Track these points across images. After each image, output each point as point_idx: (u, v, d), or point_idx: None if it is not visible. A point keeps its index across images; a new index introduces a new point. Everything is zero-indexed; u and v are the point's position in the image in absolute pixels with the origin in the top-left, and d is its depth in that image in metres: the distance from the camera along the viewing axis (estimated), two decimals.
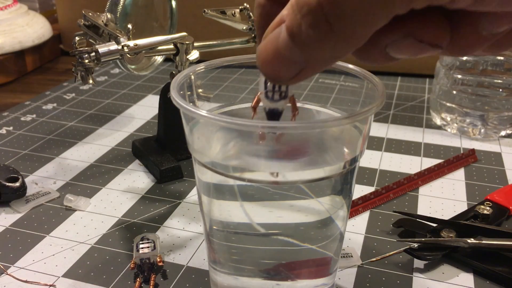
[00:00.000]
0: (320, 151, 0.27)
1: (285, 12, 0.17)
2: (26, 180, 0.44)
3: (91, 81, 0.38)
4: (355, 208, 0.39)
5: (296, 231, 0.27)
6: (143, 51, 0.40)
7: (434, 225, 0.36)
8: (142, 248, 0.33)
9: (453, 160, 0.46)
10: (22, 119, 0.57)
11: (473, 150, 0.48)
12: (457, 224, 0.36)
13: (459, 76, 0.51)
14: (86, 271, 0.33)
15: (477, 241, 0.33)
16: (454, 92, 0.52)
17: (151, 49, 0.41)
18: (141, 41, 0.40)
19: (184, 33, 0.43)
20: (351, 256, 0.34)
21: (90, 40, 0.41)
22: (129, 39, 0.39)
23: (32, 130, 0.54)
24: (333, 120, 0.22)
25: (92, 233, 0.37)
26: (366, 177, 0.45)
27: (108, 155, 0.49)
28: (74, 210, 0.40)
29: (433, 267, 0.34)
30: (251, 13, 0.47)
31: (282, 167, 0.28)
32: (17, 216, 0.39)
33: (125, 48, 0.38)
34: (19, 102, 0.61)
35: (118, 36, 0.39)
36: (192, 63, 0.43)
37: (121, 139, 0.52)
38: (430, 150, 0.50)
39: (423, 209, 0.40)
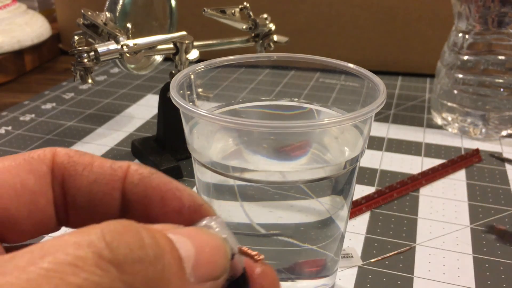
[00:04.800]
0: (320, 151, 0.27)
1: None
2: None
3: (90, 81, 0.38)
4: (359, 207, 0.39)
5: (296, 232, 0.26)
6: (143, 51, 0.40)
7: None
8: None
9: (457, 160, 0.46)
10: (21, 118, 0.56)
11: (477, 150, 0.48)
12: None
13: (460, 76, 0.51)
14: None
15: None
16: (455, 91, 0.52)
17: (151, 48, 0.41)
18: (141, 41, 0.40)
19: (184, 32, 0.42)
20: (352, 257, 0.34)
21: (90, 40, 0.41)
22: (128, 38, 0.39)
23: (31, 129, 0.54)
24: (334, 120, 0.22)
25: None
26: (367, 177, 0.45)
27: (107, 155, 0.48)
28: None
29: (434, 268, 0.34)
30: (251, 12, 0.47)
31: (283, 166, 0.27)
32: None
33: (124, 47, 0.38)
34: (18, 102, 0.61)
35: (118, 35, 0.38)
36: (192, 62, 0.43)
37: (120, 139, 0.52)
38: (431, 150, 0.50)
39: (424, 210, 0.40)
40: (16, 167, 0.16)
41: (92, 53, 0.37)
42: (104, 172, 0.17)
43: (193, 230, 0.15)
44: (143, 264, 0.13)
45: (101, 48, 0.37)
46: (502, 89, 0.50)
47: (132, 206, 0.17)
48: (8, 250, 0.17)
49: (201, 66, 0.28)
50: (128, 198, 0.17)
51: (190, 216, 0.17)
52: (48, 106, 0.60)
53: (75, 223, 0.18)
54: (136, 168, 0.17)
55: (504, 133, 0.52)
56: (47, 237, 0.20)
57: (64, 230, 0.17)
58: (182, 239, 0.14)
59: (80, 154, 0.17)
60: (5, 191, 0.16)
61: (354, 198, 0.39)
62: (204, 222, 0.17)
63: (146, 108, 0.60)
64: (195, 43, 0.44)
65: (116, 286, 0.12)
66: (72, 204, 0.17)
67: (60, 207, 0.17)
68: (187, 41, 0.42)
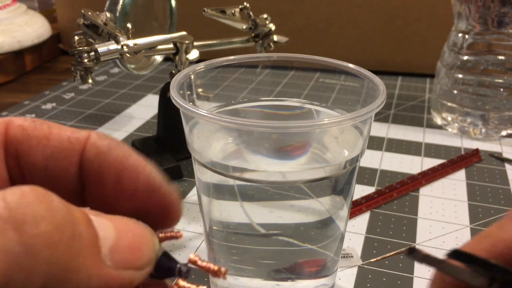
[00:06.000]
0: (320, 151, 0.27)
1: None
2: None
3: (90, 81, 0.38)
4: (359, 207, 0.39)
5: (296, 232, 0.26)
6: (143, 51, 0.40)
7: None
8: None
9: (457, 160, 0.46)
10: None
11: (477, 150, 0.48)
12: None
13: (460, 76, 0.51)
14: None
15: None
16: (455, 91, 0.52)
17: (151, 48, 0.41)
18: (141, 41, 0.40)
19: (184, 33, 0.42)
20: (352, 256, 0.34)
21: (90, 40, 0.41)
22: (128, 38, 0.39)
23: None
24: (334, 120, 0.22)
25: None
26: (367, 177, 0.45)
27: None
28: None
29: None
30: (251, 12, 0.47)
31: (283, 166, 0.27)
32: None
33: (124, 47, 0.38)
34: (18, 102, 0.61)
35: (118, 35, 0.38)
36: (192, 62, 0.43)
37: (120, 139, 0.52)
38: (431, 150, 0.50)
39: (424, 210, 0.40)
40: None
41: (92, 53, 0.37)
42: (61, 146, 0.15)
43: (118, 217, 0.14)
44: (48, 226, 0.11)
45: (101, 48, 0.37)
46: (502, 89, 0.50)
47: (89, 185, 0.15)
48: None
49: (201, 66, 0.28)
50: (84, 175, 0.15)
51: (146, 199, 0.15)
52: (48, 106, 0.60)
53: None
54: (95, 141, 0.15)
55: (504, 133, 0.52)
56: None
57: None
58: (103, 221, 0.13)
59: (36, 125, 0.15)
60: None
61: (354, 198, 0.40)
62: None
63: (146, 108, 0.60)
64: (195, 43, 0.44)
65: (12, 248, 0.11)
66: (30, 181, 0.15)
67: (18, 182, 0.15)
68: (187, 41, 0.42)
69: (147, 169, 0.15)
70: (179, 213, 0.16)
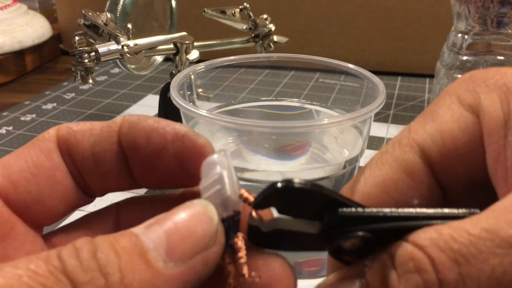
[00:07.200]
0: (320, 151, 0.27)
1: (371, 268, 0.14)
2: None
3: (91, 81, 0.38)
4: None
5: None
6: (143, 51, 0.40)
7: None
8: None
9: None
10: (22, 118, 0.57)
11: None
12: None
13: (460, 76, 0.51)
14: None
15: None
16: None
17: (151, 48, 0.41)
18: (141, 41, 0.40)
19: (184, 33, 0.43)
20: None
21: (90, 40, 0.41)
22: (129, 38, 0.39)
23: (32, 130, 0.54)
24: (334, 120, 0.22)
25: None
26: None
27: None
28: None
29: None
30: (250, 13, 0.47)
31: (283, 166, 0.28)
32: None
33: (125, 47, 0.38)
34: (19, 102, 0.61)
35: (118, 35, 0.39)
36: (192, 62, 0.43)
37: None
38: None
39: None
40: (25, 151, 0.17)
41: (93, 53, 0.37)
42: (101, 131, 0.17)
43: (162, 215, 0.14)
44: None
45: (102, 48, 0.38)
46: None
47: (129, 155, 0.17)
48: (46, 236, 0.19)
49: (201, 66, 0.28)
50: (124, 148, 0.17)
51: (176, 149, 0.17)
52: (49, 106, 0.60)
53: (97, 189, 0.19)
54: (127, 118, 0.17)
55: None
56: (79, 212, 0.20)
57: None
58: (147, 231, 0.14)
59: (80, 124, 0.18)
60: (21, 175, 0.17)
61: None
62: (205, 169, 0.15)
63: (146, 108, 0.60)
64: (195, 44, 0.44)
65: None
66: (84, 171, 0.17)
67: (77, 177, 0.18)
68: (187, 42, 0.42)
69: (173, 125, 0.17)
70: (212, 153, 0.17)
